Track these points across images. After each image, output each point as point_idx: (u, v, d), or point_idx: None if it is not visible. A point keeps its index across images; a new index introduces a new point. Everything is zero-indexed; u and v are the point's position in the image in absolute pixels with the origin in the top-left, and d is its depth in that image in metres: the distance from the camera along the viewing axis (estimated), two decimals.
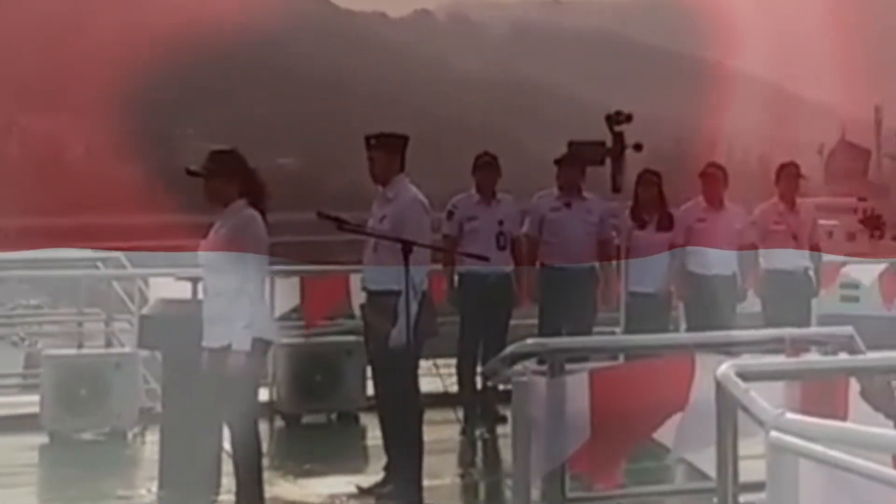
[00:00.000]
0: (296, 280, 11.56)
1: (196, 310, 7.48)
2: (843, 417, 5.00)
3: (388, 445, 8.44)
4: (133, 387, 10.47)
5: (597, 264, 10.85)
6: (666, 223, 11.12)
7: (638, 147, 10.76)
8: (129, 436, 10.36)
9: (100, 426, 10.38)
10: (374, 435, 9.16)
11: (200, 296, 7.68)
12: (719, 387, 4.40)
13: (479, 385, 10.56)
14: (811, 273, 11.58)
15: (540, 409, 5.69)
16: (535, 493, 5.84)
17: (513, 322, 10.72)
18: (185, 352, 7.51)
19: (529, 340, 6.11)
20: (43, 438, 10.15)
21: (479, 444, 10.33)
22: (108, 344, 11.75)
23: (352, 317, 11.14)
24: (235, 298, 7.16)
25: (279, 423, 10.92)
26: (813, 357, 5.77)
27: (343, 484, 8.72)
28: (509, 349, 6.00)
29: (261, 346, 7.27)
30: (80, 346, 11.81)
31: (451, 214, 10.68)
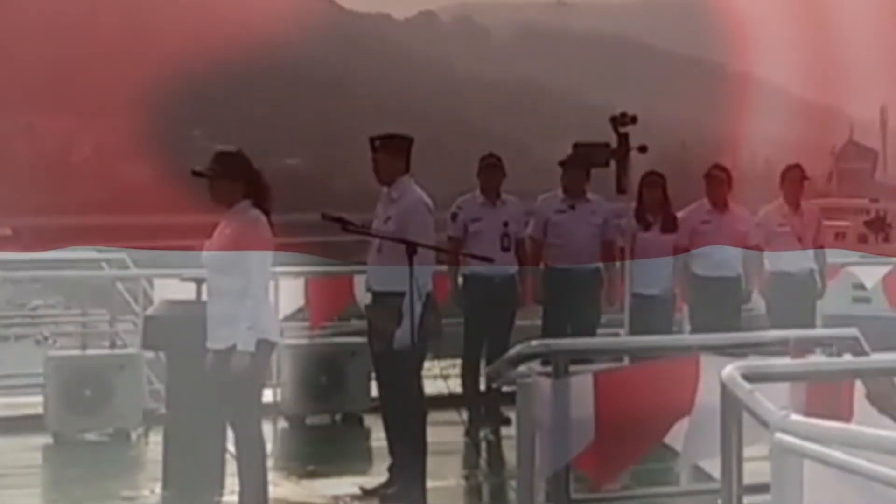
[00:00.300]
0: (300, 281, 11.56)
1: (200, 311, 7.47)
2: (848, 419, 4.99)
3: (393, 447, 8.43)
4: (137, 388, 10.48)
5: (601, 266, 10.85)
6: (670, 225, 11.12)
7: (643, 149, 10.73)
8: (133, 437, 10.37)
9: (104, 427, 10.39)
10: (378, 436, 9.16)
11: (205, 297, 7.68)
12: (724, 388, 4.40)
13: (483, 386, 10.55)
14: (816, 275, 11.58)
15: (544, 411, 5.69)
16: (540, 495, 5.84)
17: (517, 323, 10.72)
18: (190, 353, 7.51)
19: (534, 342, 6.11)
20: (47, 439, 10.16)
21: (484, 445, 10.33)
22: (113, 345, 11.76)
23: (356, 318, 11.14)
24: (240, 299, 7.15)
25: (283, 424, 10.92)
26: (818, 359, 5.77)
27: (347, 485, 8.72)
28: (514, 350, 6.00)
29: (265, 347, 7.26)
30: (85, 347, 11.81)
31: (455, 216, 10.68)
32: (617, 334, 11.04)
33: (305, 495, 8.71)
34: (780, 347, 5.88)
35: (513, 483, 7.19)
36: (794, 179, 11.61)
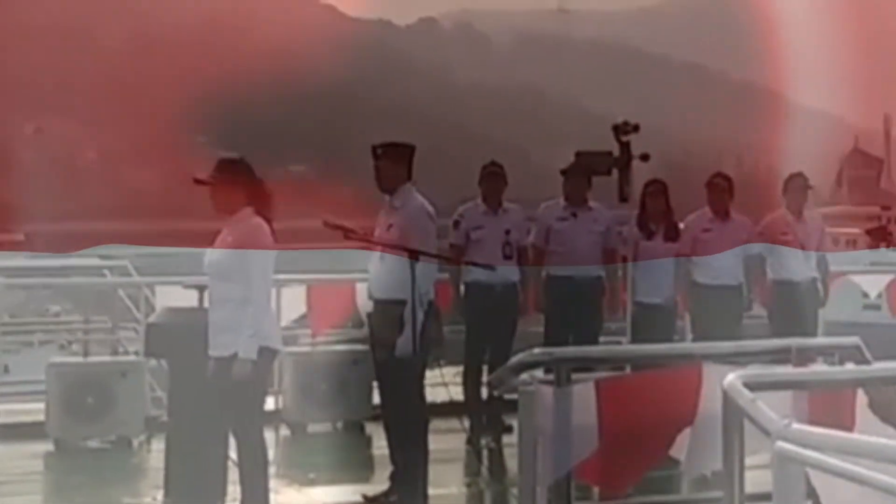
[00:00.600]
0: (302, 288, 11.56)
1: (202, 318, 7.47)
2: (851, 428, 4.99)
3: (394, 454, 8.44)
4: (139, 395, 10.48)
5: (603, 274, 10.85)
6: (672, 233, 11.12)
7: (645, 157, 10.76)
8: (135, 444, 10.37)
9: (105, 434, 10.39)
10: (379, 444, 9.16)
11: (207, 304, 7.68)
12: (726, 397, 4.40)
13: (485, 394, 10.55)
14: (818, 283, 11.57)
15: (546, 419, 5.69)
16: (542, 503, 5.83)
17: (519, 331, 10.72)
18: (192, 360, 7.50)
19: (536, 350, 6.11)
20: (48, 446, 10.15)
21: (485, 453, 10.32)
22: (115, 352, 11.76)
23: (358, 326, 11.14)
24: (242, 307, 7.16)
25: (285, 431, 10.92)
26: (820, 367, 5.77)
27: (349, 493, 8.72)
28: (516, 358, 5.99)
29: (267, 354, 7.27)
30: (87, 354, 11.81)
31: (457, 224, 10.68)
32: (619, 342, 11.04)
33: (307, 503, 8.71)
34: (782, 356, 5.87)
35: (514, 491, 7.18)
36: (797, 188, 11.60)
